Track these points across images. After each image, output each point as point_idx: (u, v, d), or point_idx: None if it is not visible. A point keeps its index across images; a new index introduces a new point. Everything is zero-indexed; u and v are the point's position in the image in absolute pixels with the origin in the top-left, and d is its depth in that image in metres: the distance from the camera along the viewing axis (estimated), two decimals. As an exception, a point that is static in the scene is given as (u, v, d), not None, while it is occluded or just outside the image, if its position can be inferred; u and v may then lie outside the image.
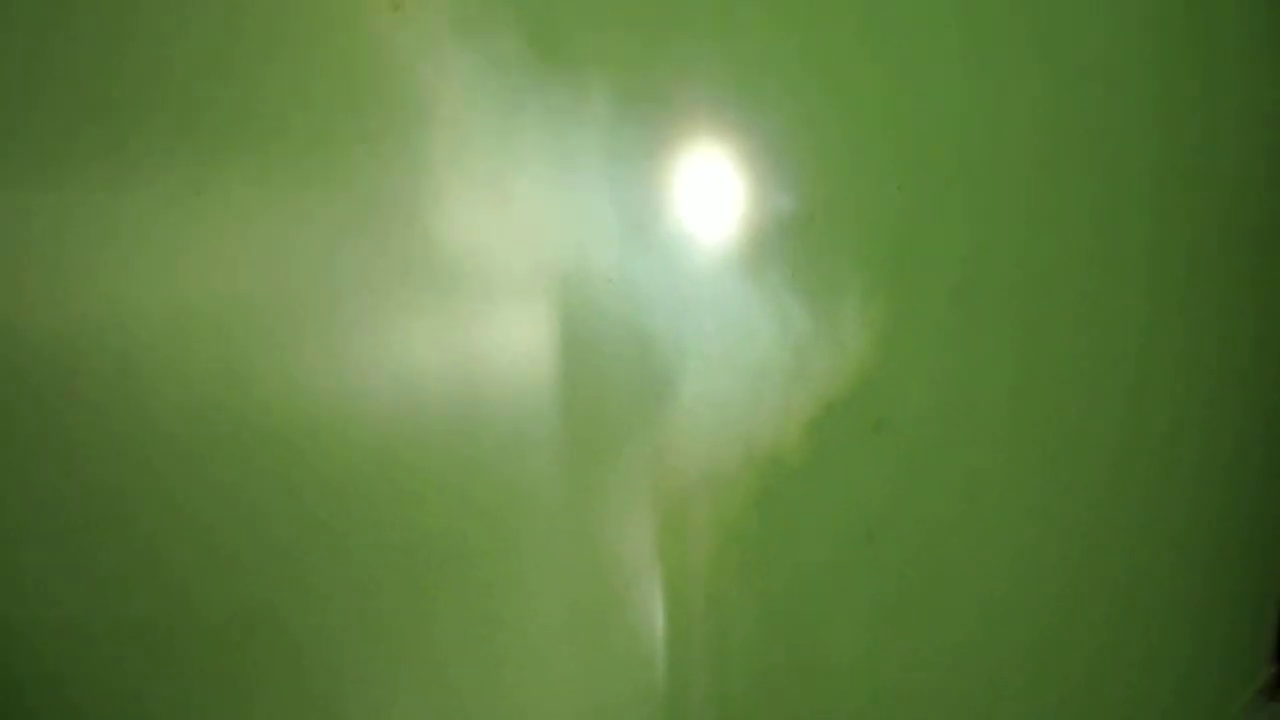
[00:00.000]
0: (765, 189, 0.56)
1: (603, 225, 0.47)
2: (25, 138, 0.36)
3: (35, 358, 0.38)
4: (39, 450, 0.39)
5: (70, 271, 0.38)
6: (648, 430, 0.51)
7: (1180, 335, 1.18)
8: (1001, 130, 0.80)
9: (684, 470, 0.55)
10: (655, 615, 0.53)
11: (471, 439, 0.45)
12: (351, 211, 0.41)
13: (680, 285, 0.52)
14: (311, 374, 0.43)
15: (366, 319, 0.41)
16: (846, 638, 0.71)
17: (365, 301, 0.41)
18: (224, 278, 0.39)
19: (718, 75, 0.52)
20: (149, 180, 0.38)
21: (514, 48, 0.45)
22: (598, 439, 0.49)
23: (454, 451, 0.45)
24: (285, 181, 0.40)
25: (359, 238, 0.41)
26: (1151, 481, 1.18)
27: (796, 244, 0.57)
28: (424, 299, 0.42)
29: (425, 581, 0.46)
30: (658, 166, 0.50)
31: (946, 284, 0.73)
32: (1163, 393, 1.14)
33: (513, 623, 0.49)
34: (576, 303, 0.47)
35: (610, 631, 0.51)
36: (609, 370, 0.50)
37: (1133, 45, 0.90)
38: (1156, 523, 1.25)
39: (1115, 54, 0.88)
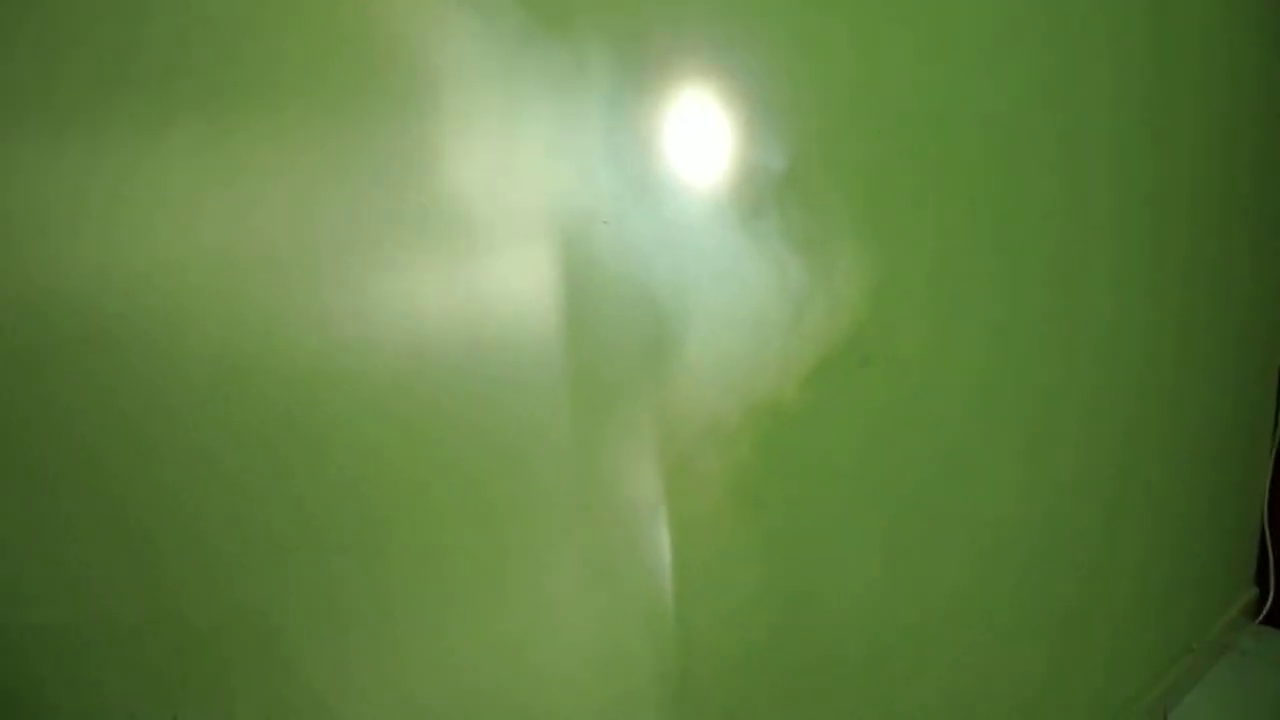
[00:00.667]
0: (754, 138, 0.58)
1: (599, 174, 0.49)
2: (63, 93, 0.37)
3: (72, 306, 0.38)
4: (74, 399, 0.39)
5: (102, 223, 0.38)
6: (647, 369, 0.53)
7: (1162, 278, 1.21)
8: (986, 91, 0.82)
9: (684, 408, 0.58)
10: (661, 552, 0.55)
11: (481, 376, 0.47)
12: (367, 165, 0.42)
13: (673, 230, 0.54)
14: (333, 317, 0.43)
15: (383, 265, 0.43)
16: (847, 572, 0.74)
17: (382, 249, 0.43)
18: (247, 229, 0.40)
19: (711, 29, 0.54)
20: (178, 136, 0.38)
21: (513, 8, 0.46)
22: (600, 375, 0.51)
23: (465, 388, 0.46)
24: (305, 137, 0.41)
25: (375, 189, 0.42)
26: (1132, 411, 1.20)
27: (786, 191, 0.59)
28: (436, 245, 0.44)
29: (438, 514, 0.48)
30: (651, 117, 0.52)
31: (931, 231, 0.76)
32: (1139, 319, 1.17)
33: (521, 555, 0.50)
34: (576, 246, 0.48)
35: (617, 568, 0.53)
36: (608, 311, 0.52)
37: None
38: (1139, 450, 1.28)
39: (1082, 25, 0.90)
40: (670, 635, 0.59)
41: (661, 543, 0.58)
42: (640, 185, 0.55)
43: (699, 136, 0.56)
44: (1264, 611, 1.69)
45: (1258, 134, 1.32)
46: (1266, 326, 1.52)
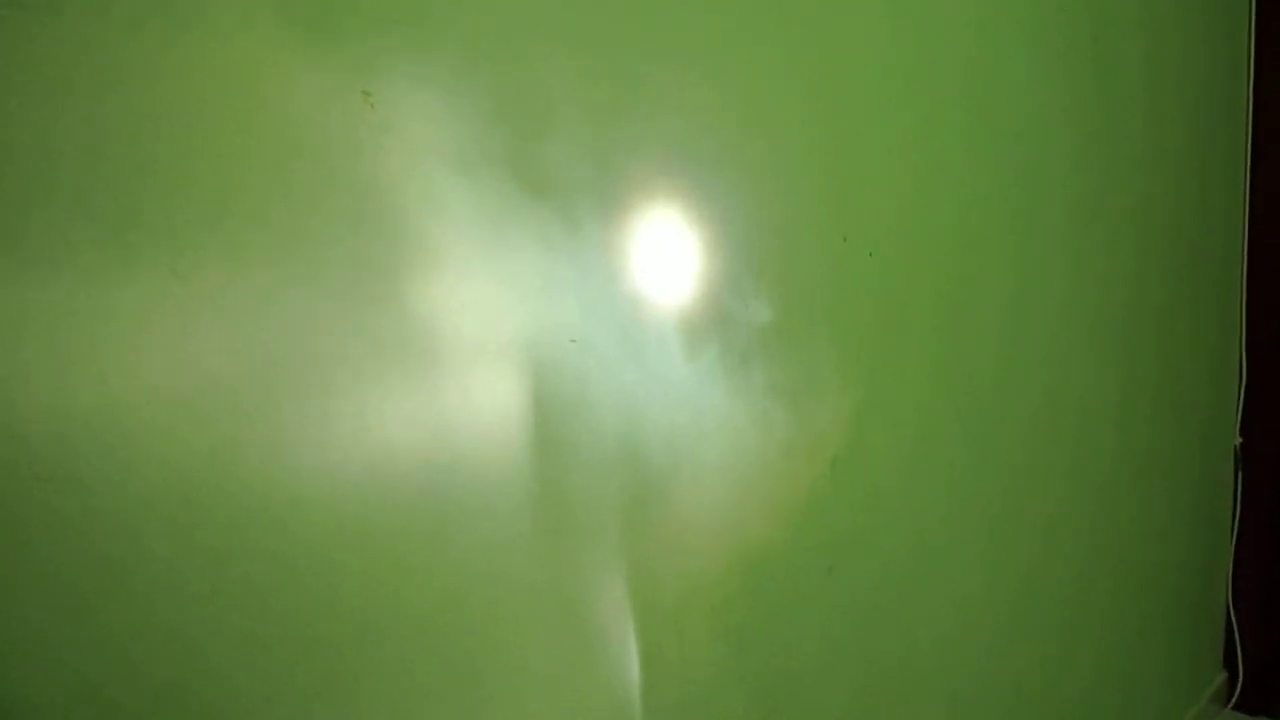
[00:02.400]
0: (727, 268, 0.60)
1: (565, 301, 0.51)
2: (22, 237, 0.38)
3: (30, 445, 0.38)
4: (35, 531, 0.39)
5: (61, 362, 0.38)
6: (621, 498, 0.54)
7: (1123, 365, 1.26)
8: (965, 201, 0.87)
9: (658, 540, 0.58)
10: (630, 682, 0.55)
11: (446, 506, 0.47)
12: (327, 293, 0.43)
13: (642, 357, 0.55)
14: (290, 450, 0.43)
15: (346, 389, 0.44)
16: (825, 685, 0.73)
17: (344, 372, 0.43)
18: (205, 361, 0.41)
19: (676, 153, 0.56)
20: (135, 272, 0.39)
21: (481, 136, 0.48)
22: (573, 506, 0.51)
23: (429, 521, 0.47)
24: (264, 268, 0.42)
25: (335, 318, 0.43)
26: (1097, 497, 1.23)
27: (767, 335, 0.62)
28: (398, 372, 0.45)
29: (402, 654, 0.48)
30: (620, 248, 0.54)
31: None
32: (1108, 420, 1.20)
33: (493, 692, 0.50)
34: (544, 374, 0.50)
35: (587, 696, 0.53)
36: (581, 439, 0.53)
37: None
38: (1103, 536, 1.30)
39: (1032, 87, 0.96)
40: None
41: (635, 684, 0.59)
42: (608, 310, 0.56)
43: (666, 264, 0.58)
44: (1234, 696, 1.69)
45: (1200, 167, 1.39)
46: (1221, 405, 1.56)
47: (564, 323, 0.54)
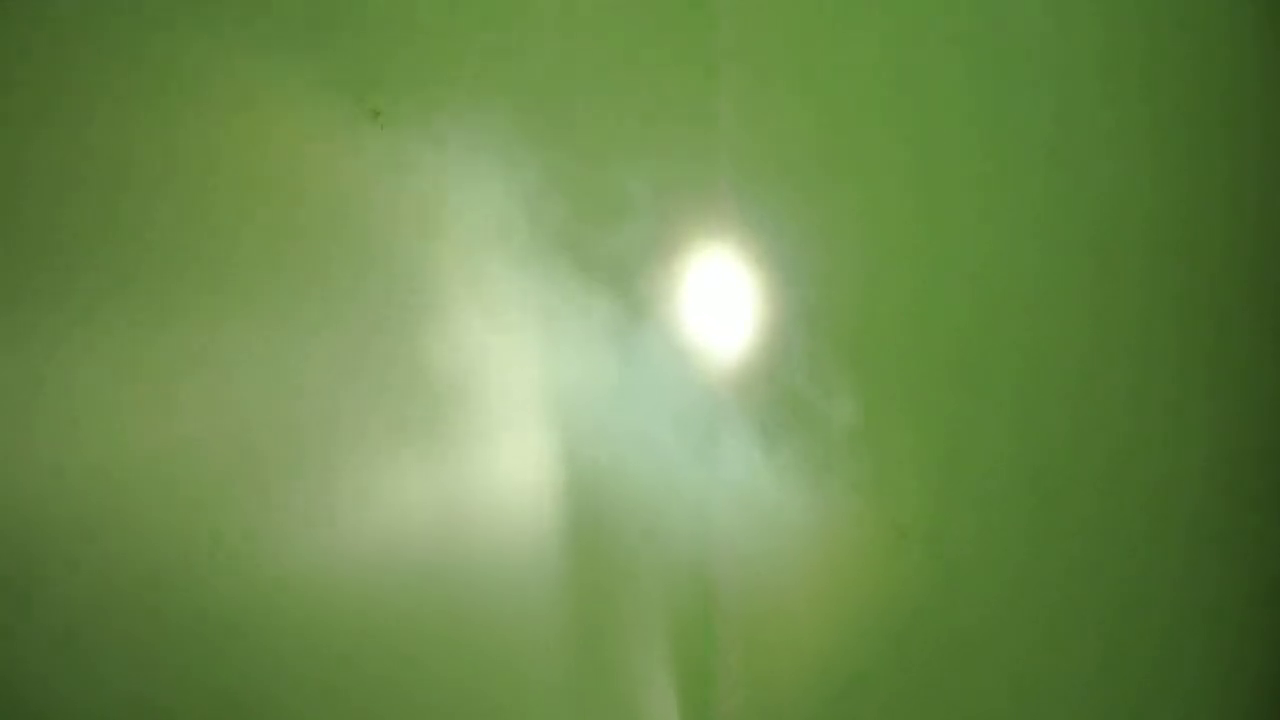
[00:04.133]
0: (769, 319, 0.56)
1: (601, 367, 0.47)
2: (27, 309, 0.37)
3: (30, 516, 0.37)
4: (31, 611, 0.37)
5: (70, 426, 0.37)
6: (656, 585, 0.49)
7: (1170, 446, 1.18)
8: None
9: (700, 625, 0.53)
10: None
11: (471, 589, 0.43)
12: (346, 351, 0.41)
13: (710, 456, 0.51)
14: (307, 524, 0.41)
15: (365, 462, 0.41)
16: None
17: (363, 445, 0.40)
18: (218, 429, 0.39)
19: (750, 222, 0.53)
20: (140, 337, 0.38)
21: (510, 174, 0.45)
22: (605, 593, 0.47)
23: (452, 605, 0.43)
24: (277, 324, 0.40)
25: (355, 378, 0.41)
26: (1182, 566, 1.13)
27: (842, 420, 0.57)
28: (422, 439, 0.42)
29: None
30: (660, 305, 0.50)
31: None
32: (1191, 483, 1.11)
33: None
34: (578, 445, 0.46)
35: None
36: (614, 524, 0.49)
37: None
38: (1187, 613, 1.20)
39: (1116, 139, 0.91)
40: None
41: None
42: (669, 402, 0.52)
43: (744, 353, 0.53)
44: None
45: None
46: None
47: (614, 414, 0.50)
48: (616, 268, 0.48)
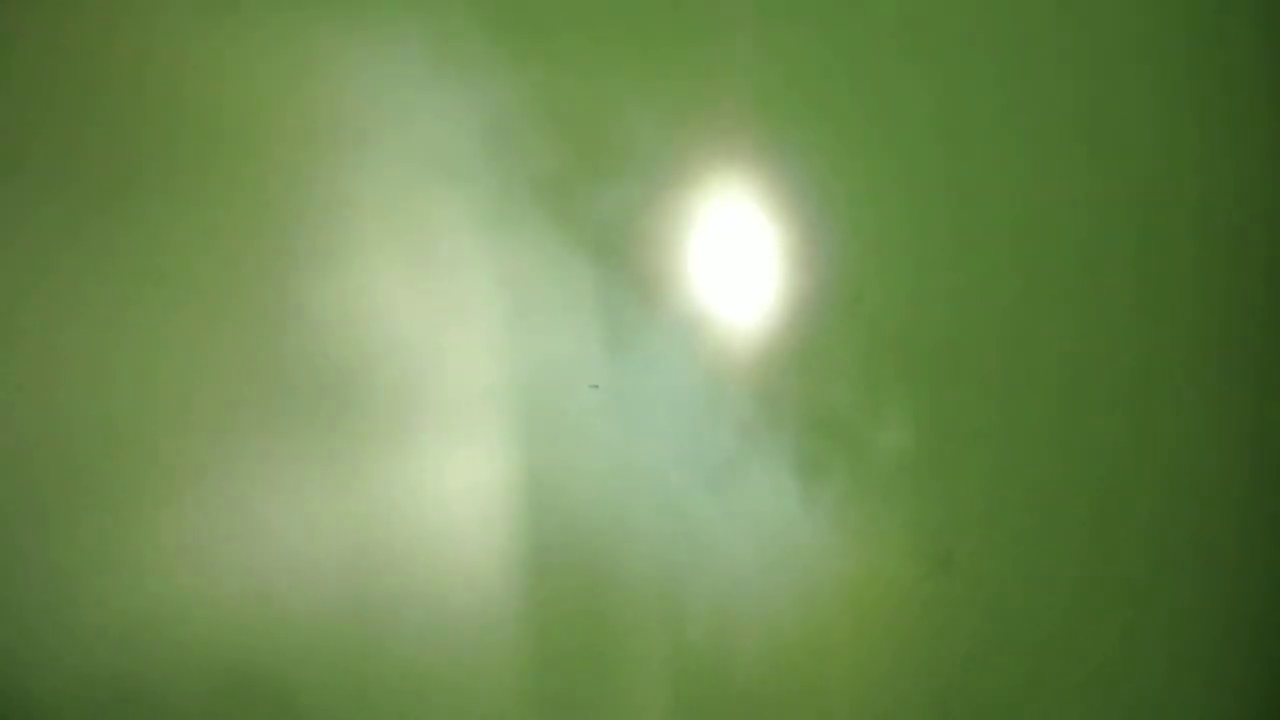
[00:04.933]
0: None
1: (583, 354, 0.38)
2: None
3: None
4: None
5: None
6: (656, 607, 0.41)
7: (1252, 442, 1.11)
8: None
9: (690, 641, 0.44)
10: None
11: (393, 638, 0.34)
12: (225, 318, 0.31)
13: (698, 447, 0.42)
14: (179, 550, 0.31)
15: (255, 475, 0.31)
16: None
17: (254, 451, 0.31)
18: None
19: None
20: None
21: (475, 92, 0.36)
22: (572, 655, 0.38)
23: (366, 651, 0.34)
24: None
25: (238, 364, 0.31)
26: (1229, 589, 1.09)
27: (899, 451, 0.48)
28: (333, 441, 0.32)
29: None
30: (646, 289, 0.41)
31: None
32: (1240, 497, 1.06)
33: None
34: (547, 461, 0.37)
35: None
36: (590, 565, 0.39)
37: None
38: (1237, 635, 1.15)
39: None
40: None
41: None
42: (695, 434, 0.44)
43: (779, 374, 0.44)
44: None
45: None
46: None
47: (599, 420, 0.41)
48: (607, 225, 0.39)
